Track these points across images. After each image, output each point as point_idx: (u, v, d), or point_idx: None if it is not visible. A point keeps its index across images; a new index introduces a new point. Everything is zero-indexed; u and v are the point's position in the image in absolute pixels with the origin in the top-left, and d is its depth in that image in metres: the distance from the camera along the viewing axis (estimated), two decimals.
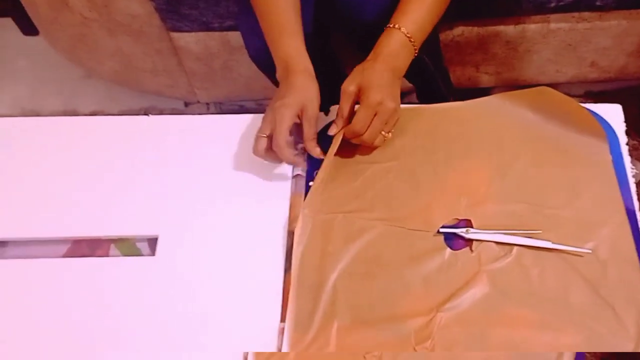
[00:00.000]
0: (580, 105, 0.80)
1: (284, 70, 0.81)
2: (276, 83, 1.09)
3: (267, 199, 0.81)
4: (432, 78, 1.21)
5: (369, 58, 0.80)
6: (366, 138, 0.78)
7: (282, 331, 0.70)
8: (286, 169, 0.82)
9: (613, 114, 0.81)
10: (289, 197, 0.81)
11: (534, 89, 0.83)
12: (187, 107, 1.63)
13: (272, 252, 0.77)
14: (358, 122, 0.77)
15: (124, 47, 1.39)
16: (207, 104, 1.61)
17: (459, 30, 1.25)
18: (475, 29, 1.24)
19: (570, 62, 1.32)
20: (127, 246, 0.80)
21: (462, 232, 0.74)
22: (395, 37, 0.79)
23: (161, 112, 1.63)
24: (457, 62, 1.33)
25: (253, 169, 0.83)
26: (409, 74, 1.22)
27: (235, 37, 1.32)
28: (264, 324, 0.71)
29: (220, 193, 0.82)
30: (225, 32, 1.32)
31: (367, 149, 0.82)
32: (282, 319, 0.71)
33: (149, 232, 0.80)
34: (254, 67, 1.38)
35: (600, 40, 1.25)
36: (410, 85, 1.30)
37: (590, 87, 1.45)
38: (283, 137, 0.77)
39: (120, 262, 0.78)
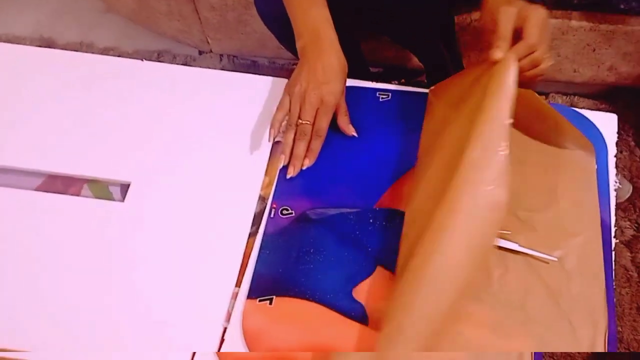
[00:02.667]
0: (565, 120, 0.75)
1: (313, 42, 0.79)
2: (287, 45, 1.08)
3: (245, 161, 0.80)
4: (444, 63, 1.18)
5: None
6: (540, 54, 0.68)
7: (235, 295, 0.70)
8: (267, 133, 0.81)
9: (607, 123, 0.78)
10: (266, 162, 0.80)
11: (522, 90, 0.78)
12: (201, 55, 1.62)
13: (240, 215, 0.76)
14: (532, 36, 0.66)
15: None
16: (221, 55, 1.59)
17: (477, 14, 1.21)
18: None
19: (588, 62, 1.27)
20: (100, 188, 0.80)
21: None
22: None
23: (174, 57, 1.62)
24: (473, 47, 1.29)
25: (235, 129, 0.83)
26: (421, 56, 1.20)
27: None
28: (219, 285, 0.71)
29: (200, 150, 0.81)
30: None
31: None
32: (237, 284, 0.71)
33: (123, 178, 0.79)
34: None
35: (622, 44, 1.20)
36: (420, 65, 1.28)
37: (607, 90, 1.41)
38: (327, 125, 0.78)
39: (89, 204, 0.78)
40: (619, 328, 1.17)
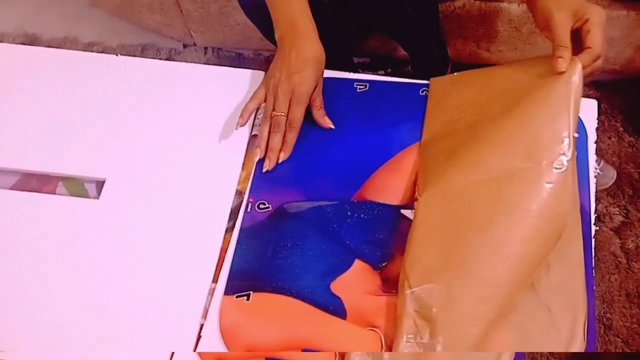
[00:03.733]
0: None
1: (289, 32, 0.78)
2: (268, 36, 1.07)
3: (221, 155, 0.79)
4: (428, 50, 1.17)
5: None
6: (602, 62, 0.68)
7: (211, 292, 0.70)
8: (245, 128, 0.80)
9: (587, 109, 0.77)
10: (242, 156, 0.79)
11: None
12: (185, 48, 1.60)
13: (217, 210, 0.75)
14: (597, 44, 0.67)
15: None
16: (205, 48, 1.58)
17: (460, 2, 1.20)
18: (478, 2, 1.19)
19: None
20: (75, 185, 0.79)
21: (408, 213, 0.72)
22: None
23: (159, 51, 1.61)
24: (458, 35, 1.28)
25: (213, 123, 0.82)
26: (406, 44, 1.19)
27: None
28: (196, 281, 0.71)
29: (176, 145, 0.81)
30: None
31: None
32: (214, 280, 0.70)
33: (98, 175, 0.79)
34: None
35: (608, 30, 1.19)
36: (405, 54, 1.27)
37: (596, 77, 1.40)
38: (302, 116, 0.77)
39: (64, 201, 0.77)
40: (609, 315, 1.17)
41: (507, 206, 0.65)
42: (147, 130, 0.82)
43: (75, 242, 0.73)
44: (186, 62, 1.57)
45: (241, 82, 0.86)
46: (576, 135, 0.66)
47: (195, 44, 1.55)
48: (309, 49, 0.77)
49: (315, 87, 0.78)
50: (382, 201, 0.74)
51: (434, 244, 0.66)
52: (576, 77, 0.68)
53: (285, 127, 0.77)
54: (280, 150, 0.78)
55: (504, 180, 0.66)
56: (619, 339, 1.15)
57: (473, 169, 0.68)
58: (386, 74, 1.45)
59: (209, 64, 1.56)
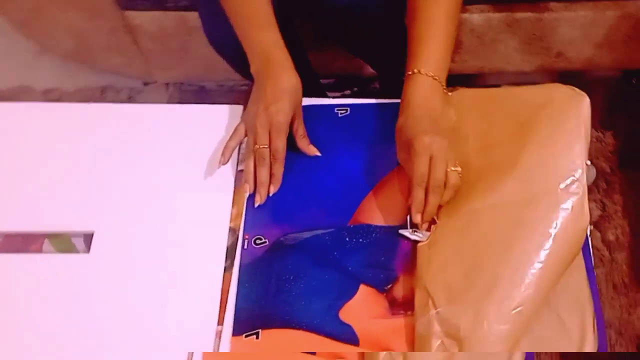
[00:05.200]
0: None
1: (264, 65, 0.79)
2: (242, 71, 1.08)
3: (210, 194, 0.80)
4: (397, 67, 1.19)
5: (401, 111, 0.77)
6: (434, 181, 0.71)
7: (218, 334, 0.69)
8: (229, 165, 0.80)
9: None
10: (232, 193, 0.80)
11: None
12: (146, 86, 1.60)
13: (212, 251, 0.75)
14: (418, 169, 0.70)
15: (77, 23, 1.36)
16: (167, 84, 1.58)
17: None
18: None
19: (536, 52, 1.31)
20: (62, 241, 0.78)
21: (407, 232, 0.73)
22: (423, 82, 0.75)
23: (119, 92, 1.60)
24: None
25: (195, 163, 0.82)
26: (375, 63, 1.22)
27: (192, 18, 1.30)
28: (201, 326, 0.70)
29: (160, 188, 0.80)
30: (181, 12, 1.30)
31: None
32: (220, 322, 0.70)
33: (85, 228, 0.78)
34: (212, 48, 1.37)
35: (567, 31, 1.24)
36: (372, 72, 1.29)
37: (557, 77, 1.45)
38: (284, 146, 0.77)
39: (53, 259, 0.76)
40: None
41: (526, 230, 0.67)
42: (130, 178, 0.81)
43: (68, 301, 0.72)
44: (148, 100, 1.58)
45: (219, 118, 0.86)
46: (589, 163, 0.70)
47: (156, 81, 1.54)
48: (283, 79, 0.78)
49: (294, 116, 0.79)
50: (378, 223, 0.75)
51: (456, 264, 0.68)
52: (586, 111, 0.72)
53: (270, 159, 0.78)
54: (270, 184, 0.78)
55: (522, 205, 0.68)
56: (611, 330, 1.19)
57: (490, 193, 0.71)
58: (353, 94, 1.47)
59: (172, 100, 1.56)
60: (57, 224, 0.78)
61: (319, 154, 0.81)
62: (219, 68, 1.42)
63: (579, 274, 0.69)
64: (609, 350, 0.65)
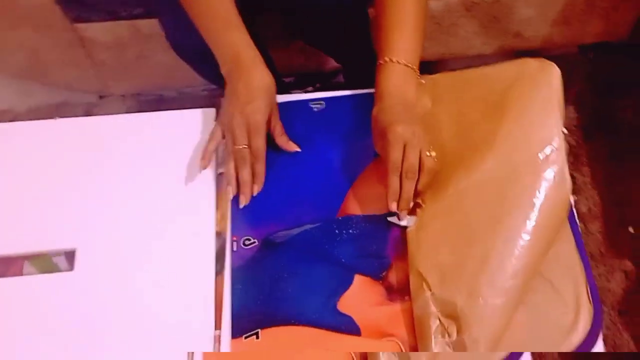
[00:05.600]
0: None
1: (235, 65, 0.79)
2: (207, 75, 1.08)
3: (192, 200, 0.79)
4: (364, 62, 1.20)
5: (375, 100, 0.77)
6: (407, 167, 0.72)
7: (217, 339, 0.69)
8: (209, 169, 0.80)
9: None
10: (214, 197, 0.79)
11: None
12: (102, 99, 1.57)
13: (201, 256, 0.75)
14: (392, 157, 0.71)
15: (27, 40, 1.33)
16: (123, 96, 1.55)
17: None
18: None
19: (495, 34, 1.34)
20: (43, 262, 0.76)
21: (394, 219, 0.74)
22: (395, 71, 0.76)
23: (74, 108, 1.56)
24: None
25: (173, 170, 0.81)
26: (338, 55, 1.23)
27: (147, 25, 1.28)
28: (198, 333, 0.70)
29: (141, 198, 0.80)
30: (135, 21, 1.28)
31: None
32: (217, 326, 0.70)
33: (65, 246, 0.76)
34: (171, 54, 1.35)
35: (524, 10, 1.27)
36: (335, 66, 1.30)
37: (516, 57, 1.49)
38: (264, 144, 0.77)
39: (35, 281, 0.74)
40: None
41: (511, 203, 0.69)
42: (108, 190, 0.80)
43: (56, 322, 0.71)
44: (106, 113, 1.55)
45: (193, 123, 0.86)
46: (565, 131, 0.72)
47: (113, 94, 1.52)
48: (256, 77, 0.78)
49: (271, 114, 0.79)
50: (366, 213, 0.76)
51: (446, 244, 0.69)
52: (557, 81, 0.75)
53: (251, 159, 0.78)
54: (253, 183, 0.78)
55: (504, 179, 0.71)
56: None
57: (472, 172, 0.72)
58: (315, 90, 1.48)
59: (130, 112, 1.54)
60: (36, 244, 0.76)
61: (299, 149, 0.81)
62: (178, 75, 1.42)
63: (568, 242, 0.72)
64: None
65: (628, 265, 1.21)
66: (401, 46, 0.77)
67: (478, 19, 1.29)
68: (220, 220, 0.78)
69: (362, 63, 1.20)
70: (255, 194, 0.78)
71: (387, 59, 0.76)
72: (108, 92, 1.53)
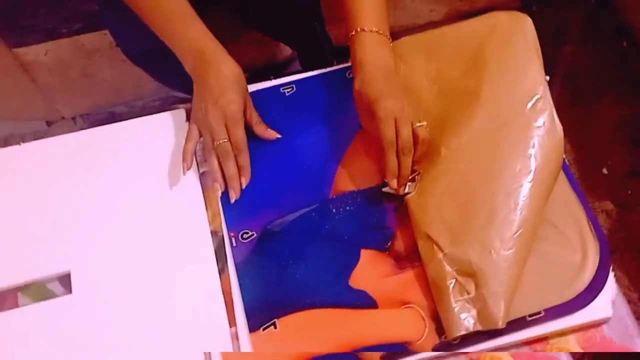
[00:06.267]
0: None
1: (200, 59, 0.78)
2: (165, 79, 1.06)
3: (180, 204, 0.79)
4: (318, 43, 1.21)
5: (354, 72, 0.77)
6: (403, 143, 0.72)
7: (235, 336, 0.69)
8: (192, 170, 0.80)
9: None
10: (202, 196, 0.79)
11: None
12: (51, 126, 1.54)
13: (200, 259, 0.75)
14: (386, 134, 0.72)
15: None
16: (73, 118, 1.52)
17: None
18: None
19: (441, 0, 1.37)
20: (37, 290, 0.75)
21: (389, 190, 0.75)
22: (370, 39, 0.77)
23: (23, 138, 1.52)
24: (330, 20, 1.34)
25: (155, 177, 0.81)
26: (294, 41, 1.23)
27: (89, 40, 1.26)
28: (213, 335, 0.70)
29: (128, 210, 0.79)
30: (76, 37, 1.25)
31: None
32: (232, 324, 0.70)
33: (58, 270, 0.75)
34: (118, 67, 1.34)
35: None
36: (287, 55, 1.31)
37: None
38: (244, 135, 0.77)
39: (32, 311, 0.73)
40: None
41: (507, 156, 0.71)
42: (94, 207, 0.79)
43: (63, 348, 0.70)
44: None
45: (165, 126, 0.85)
46: (548, 78, 0.75)
47: (63, 118, 1.49)
48: (225, 68, 0.78)
49: (245, 103, 0.79)
50: (359, 187, 0.77)
51: (449, 205, 0.71)
52: (531, 30, 0.78)
53: (234, 152, 0.78)
54: (240, 176, 0.78)
55: (496, 133, 0.73)
56: None
57: (462, 131, 0.74)
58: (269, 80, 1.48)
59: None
60: (27, 274, 0.75)
61: (279, 135, 0.82)
62: (127, 86, 1.41)
63: (562, 182, 0.74)
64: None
65: (608, 205, 1.26)
66: (370, 15, 0.77)
67: None
68: (213, 219, 0.78)
69: (317, 45, 1.22)
70: (244, 186, 0.78)
71: (358, 29, 0.77)
72: (56, 117, 1.50)
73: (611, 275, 0.69)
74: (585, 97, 1.39)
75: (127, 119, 0.83)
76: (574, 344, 0.68)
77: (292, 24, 1.10)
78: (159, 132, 0.85)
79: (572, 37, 1.48)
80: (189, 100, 0.82)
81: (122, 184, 0.81)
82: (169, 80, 1.10)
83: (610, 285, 0.69)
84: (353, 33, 0.77)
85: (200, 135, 0.79)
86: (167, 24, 0.79)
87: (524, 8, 1.52)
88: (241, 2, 0.99)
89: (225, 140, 0.77)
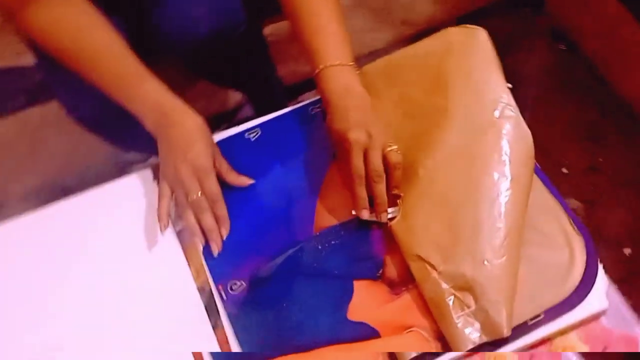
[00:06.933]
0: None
1: (161, 114, 0.78)
2: (120, 142, 1.06)
3: (161, 266, 0.78)
4: (270, 87, 1.23)
5: (325, 108, 0.79)
6: (372, 171, 0.74)
7: None
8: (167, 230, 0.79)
9: None
10: (182, 255, 0.79)
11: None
12: (2, 208, 1.50)
13: (192, 320, 0.74)
14: (354, 165, 0.74)
15: None
16: (24, 198, 1.49)
17: (268, 29, 1.28)
18: (283, 22, 1.28)
19: (383, 27, 1.42)
20: None
21: (372, 218, 0.77)
22: (335, 73, 0.78)
23: None
24: (277, 61, 1.36)
25: (131, 243, 0.80)
26: (245, 87, 1.25)
27: (35, 113, 1.26)
28: None
29: (110, 282, 0.78)
30: (21, 112, 1.24)
31: None
32: None
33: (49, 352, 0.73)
34: (64, 138, 1.33)
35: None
36: (241, 98, 1.32)
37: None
38: (217, 186, 0.78)
39: None
40: None
41: (484, 164, 0.74)
42: (75, 284, 0.78)
43: None
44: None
45: (133, 189, 0.85)
46: (510, 85, 0.78)
47: (10, 199, 1.46)
48: (188, 121, 0.78)
49: (214, 154, 0.80)
50: (341, 220, 0.78)
51: (435, 223, 0.73)
52: (486, 41, 0.81)
53: (209, 204, 0.78)
54: (220, 227, 0.78)
55: (470, 146, 0.75)
56: None
57: (436, 148, 0.77)
58: (223, 130, 1.49)
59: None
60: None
61: (252, 181, 0.82)
62: (79, 155, 1.40)
63: (537, 186, 0.77)
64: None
65: (574, 202, 1.30)
66: (333, 49, 0.79)
67: (362, 14, 1.36)
68: (197, 275, 0.77)
69: (269, 89, 1.24)
70: (224, 237, 0.78)
71: (322, 66, 0.78)
72: (5, 198, 1.46)
73: (600, 266, 0.72)
74: (532, 102, 1.45)
75: (78, 190, 0.83)
76: (576, 340, 0.70)
77: (242, 70, 1.12)
78: (128, 197, 0.84)
79: (510, 46, 1.54)
80: (142, 162, 0.82)
81: (100, 256, 0.80)
82: (124, 143, 1.09)
83: (602, 277, 0.71)
84: (317, 71, 0.79)
85: (173, 193, 0.79)
86: (122, 84, 0.79)
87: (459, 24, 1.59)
88: (192, 53, 1.01)
89: (199, 194, 0.77)
